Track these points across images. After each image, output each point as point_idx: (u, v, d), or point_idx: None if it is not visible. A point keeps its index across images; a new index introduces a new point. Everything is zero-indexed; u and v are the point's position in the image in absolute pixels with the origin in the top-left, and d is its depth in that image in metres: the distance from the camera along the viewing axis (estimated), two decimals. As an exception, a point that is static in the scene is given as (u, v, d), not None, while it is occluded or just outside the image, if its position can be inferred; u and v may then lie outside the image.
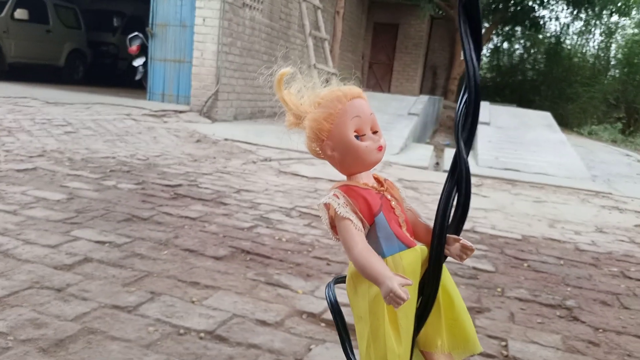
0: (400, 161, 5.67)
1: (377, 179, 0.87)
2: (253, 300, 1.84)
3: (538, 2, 16.04)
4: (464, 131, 0.81)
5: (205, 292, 1.87)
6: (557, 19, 18.62)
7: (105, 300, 1.72)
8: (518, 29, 18.82)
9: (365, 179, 0.85)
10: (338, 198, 0.81)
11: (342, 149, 0.82)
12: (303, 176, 4.41)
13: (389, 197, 0.85)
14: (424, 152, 6.92)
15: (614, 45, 19.09)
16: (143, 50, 8.38)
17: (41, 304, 1.64)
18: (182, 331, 1.57)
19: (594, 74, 17.92)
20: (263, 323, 1.68)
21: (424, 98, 10.57)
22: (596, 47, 19.44)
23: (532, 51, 20.39)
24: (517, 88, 19.54)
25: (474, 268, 2.46)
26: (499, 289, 2.22)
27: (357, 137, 0.81)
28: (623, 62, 17.66)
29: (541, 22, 17.04)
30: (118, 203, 2.92)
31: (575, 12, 17.02)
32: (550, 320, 1.95)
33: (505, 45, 20.72)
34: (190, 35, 7.40)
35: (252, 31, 8.10)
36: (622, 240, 3.30)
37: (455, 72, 16.58)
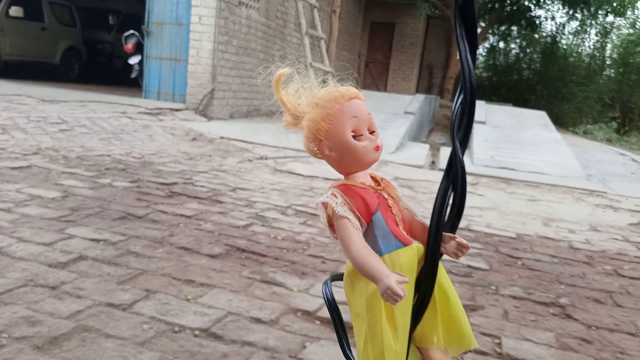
0: (396, 160, 5.68)
1: (374, 178, 0.88)
2: (248, 298, 1.85)
3: (534, 1, 16.08)
4: (460, 131, 0.82)
5: (200, 290, 1.88)
6: (553, 18, 18.64)
7: (99, 298, 1.72)
8: (514, 28, 18.87)
9: (363, 178, 0.86)
10: (336, 197, 0.82)
11: (339, 149, 0.83)
12: (299, 174, 4.41)
13: (386, 196, 0.86)
14: (420, 151, 6.94)
15: (609, 45, 19.17)
16: (139, 48, 8.37)
17: (35, 302, 1.64)
18: (176, 329, 1.57)
19: (590, 74, 17.99)
20: (258, 321, 1.68)
21: (420, 97, 10.59)
22: (592, 46, 19.52)
23: (528, 51, 20.44)
24: (513, 87, 19.59)
25: (469, 266, 2.47)
26: (493, 287, 2.23)
27: (354, 137, 0.82)
28: (618, 62, 17.74)
29: (537, 22, 17.08)
30: (113, 201, 2.91)
31: (570, 12, 17.07)
32: (543, 317, 1.96)
33: (502, 44, 20.76)
34: (186, 33, 7.39)
35: (248, 30, 8.09)
36: (616, 239, 3.32)
37: (452, 71, 16.60)
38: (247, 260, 2.24)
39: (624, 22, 18.20)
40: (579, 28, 19.12)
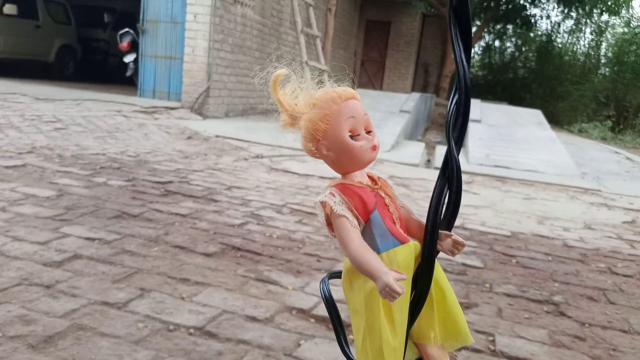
0: (391, 158, 5.69)
1: (371, 177, 0.89)
2: (243, 297, 1.85)
3: (529, 0, 16.12)
4: (455, 130, 0.83)
5: (195, 289, 1.88)
6: (548, 17, 18.67)
7: (94, 296, 1.72)
8: (509, 27, 18.90)
9: (360, 177, 0.87)
10: (334, 196, 0.83)
11: (337, 149, 0.84)
12: (294, 173, 4.41)
13: (383, 194, 0.87)
14: (415, 150, 6.95)
15: (604, 44, 19.23)
16: (134, 47, 8.33)
17: (30, 301, 1.64)
18: (171, 327, 1.58)
19: (585, 72, 18.04)
20: (253, 319, 1.69)
21: (416, 95, 10.60)
22: (586, 45, 19.58)
23: (523, 49, 20.48)
24: (508, 86, 19.63)
25: (463, 264, 2.48)
26: (487, 285, 2.24)
27: (351, 137, 0.83)
28: (613, 61, 17.80)
29: (532, 21, 17.11)
30: (108, 200, 2.91)
31: (566, 11, 17.11)
32: (537, 315, 1.97)
33: (497, 43, 20.80)
34: (182, 31, 7.37)
35: (243, 28, 8.08)
36: (610, 237, 3.34)
37: (447, 70, 16.63)
38: (242, 258, 2.25)
39: (619, 21, 18.28)
40: (574, 27, 19.18)
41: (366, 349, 0.83)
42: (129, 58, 8.56)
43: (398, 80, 17.13)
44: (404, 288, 0.76)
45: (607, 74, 18.10)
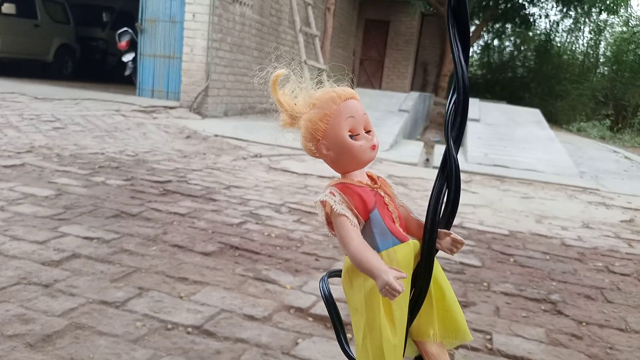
0: (390, 157, 5.69)
1: (370, 177, 0.90)
2: (241, 296, 1.85)
3: (528, -1, 16.13)
4: (454, 130, 0.83)
5: (193, 288, 1.88)
6: (547, 16, 18.64)
7: (93, 295, 1.73)
8: (508, 26, 18.90)
9: (360, 176, 0.87)
10: (334, 195, 0.84)
11: (337, 148, 0.84)
12: (293, 172, 4.42)
13: (382, 194, 0.88)
14: (414, 149, 6.96)
15: (602, 43, 19.24)
16: (132, 46, 8.33)
17: (29, 300, 1.65)
18: (169, 326, 1.58)
19: (583, 72, 18.05)
20: (251, 318, 1.69)
21: (415, 95, 10.60)
22: (585, 44, 19.59)
23: (522, 48, 20.48)
24: (507, 85, 19.64)
25: (461, 263, 2.48)
26: (485, 284, 2.24)
27: (351, 136, 0.84)
28: (612, 60, 17.80)
29: (531, 20, 17.10)
30: (107, 199, 2.91)
31: (564, 10, 17.12)
32: (534, 314, 1.98)
33: (496, 42, 20.80)
34: (180, 30, 7.37)
35: (242, 27, 8.08)
36: (608, 236, 3.35)
37: (446, 69, 16.62)
38: (241, 257, 2.25)
39: (618, 20, 18.28)
40: (573, 26, 19.18)
41: (366, 347, 0.84)
42: (127, 57, 8.55)
43: (397, 79, 17.14)
44: (404, 286, 0.77)
45: (606, 73, 18.11)
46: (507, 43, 20.88)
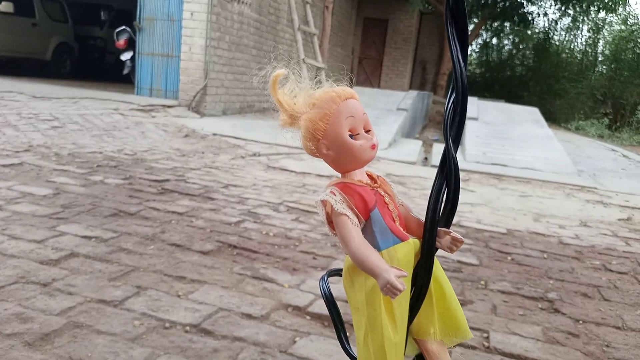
0: (388, 156, 5.70)
1: (370, 176, 0.90)
2: (239, 294, 1.86)
3: (526, -2, 16.14)
4: (453, 129, 0.84)
5: (191, 287, 1.89)
6: (545, 15, 18.69)
7: (91, 294, 1.73)
8: (507, 24, 18.90)
9: (360, 176, 0.88)
10: (335, 195, 0.84)
11: (337, 148, 0.85)
12: (291, 171, 4.42)
13: (382, 193, 0.88)
14: (413, 147, 6.96)
15: (601, 42, 19.26)
16: (131, 45, 8.33)
17: (27, 299, 1.65)
18: (167, 325, 1.59)
19: (582, 70, 18.07)
20: (248, 316, 1.70)
21: (413, 93, 10.61)
22: (584, 43, 19.60)
23: (520, 47, 20.50)
24: (505, 83, 19.65)
25: (459, 261, 2.49)
26: (482, 282, 2.25)
27: (351, 136, 0.84)
28: (610, 58, 17.82)
29: (530, 18, 17.13)
30: (105, 198, 2.91)
31: (563, 9, 17.14)
32: (531, 312, 1.99)
33: (494, 40, 20.82)
34: (178, 29, 7.36)
35: (240, 25, 8.08)
36: (605, 234, 3.36)
37: (445, 68, 16.64)
38: (239, 256, 2.25)
39: (616, 18, 18.29)
40: (571, 24, 19.20)
41: (368, 345, 0.84)
42: (125, 56, 8.55)
43: (396, 77, 17.14)
44: (405, 285, 0.77)
45: (604, 71, 18.13)
46: (505, 41, 20.90)
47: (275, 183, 3.86)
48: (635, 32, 16.90)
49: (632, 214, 4.06)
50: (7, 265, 1.88)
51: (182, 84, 7.38)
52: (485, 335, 1.74)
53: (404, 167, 5.25)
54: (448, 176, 0.84)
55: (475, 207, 3.79)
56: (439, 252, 0.88)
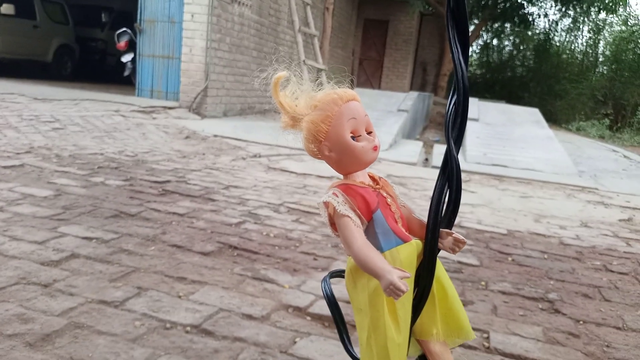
0: (389, 157, 5.70)
1: (372, 177, 0.90)
2: (239, 295, 1.86)
3: (527, -2, 16.15)
4: (454, 130, 0.84)
5: (192, 287, 1.89)
6: (545, 15, 18.69)
7: (92, 295, 1.73)
8: (507, 25, 18.91)
9: (362, 177, 0.88)
10: (337, 196, 0.84)
11: (339, 150, 0.85)
12: (292, 172, 4.42)
13: (384, 194, 0.88)
14: (413, 148, 6.97)
15: (601, 42, 19.26)
16: (131, 46, 8.34)
17: (28, 300, 1.65)
18: (168, 325, 1.59)
19: (582, 71, 18.07)
20: (249, 317, 1.70)
21: (414, 94, 10.61)
22: (584, 43, 19.61)
23: (521, 48, 20.50)
24: (506, 84, 19.66)
25: (459, 262, 2.49)
26: (482, 283, 2.25)
27: (353, 137, 0.85)
28: (611, 59, 17.82)
29: (530, 19, 17.13)
30: (106, 199, 2.92)
31: (563, 9, 17.13)
32: (532, 312, 1.99)
33: (495, 41, 20.82)
34: (179, 31, 7.38)
35: (241, 27, 8.09)
36: (606, 235, 3.36)
37: (445, 69, 16.64)
38: (239, 257, 2.26)
39: (616, 19, 18.30)
40: (572, 25, 19.20)
41: (371, 346, 0.85)
42: (126, 58, 8.56)
43: (396, 79, 17.15)
44: (408, 286, 0.78)
45: (605, 72, 18.13)
46: (506, 42, 20.91)
47: (275, 184, 3.86)
48: (636, 33, 16.90)
49: (633, 215, 4.06)
50: (8, 266, 1.88)
51: (182, 86, 7.40)
52: (485, 335, 1.74)
53: (404, 168, 5.25)
54: (450, 177, 0.84)
55: (475, 208, 3.79)
56: (440, 252, 0.88)
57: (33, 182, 3.10)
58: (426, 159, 6.66)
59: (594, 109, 16.41)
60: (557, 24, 19.31)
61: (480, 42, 20.31)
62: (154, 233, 2.44)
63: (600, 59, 19.02)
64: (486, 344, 1.68)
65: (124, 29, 8.51)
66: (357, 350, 0.92)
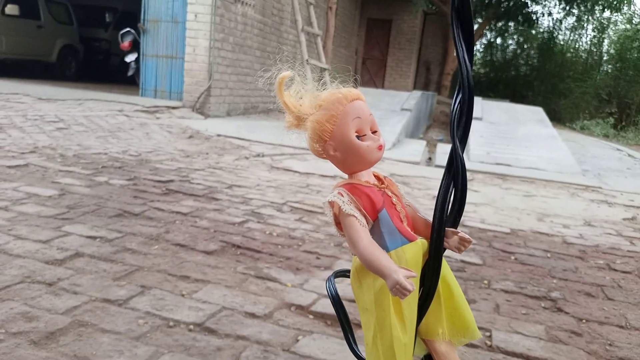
0: (392, 156, 5.70)
1: (377, 177, 0.90)
2: (242, 294, 1.87)
3: (531, -3, 16.11)
4: (459, 129, 0.84)
5: (195, 286, 1.90)
6: (549, 14, 18.69)
7: (95, 294, 1.75)
8: (511, 24, 18.87)
9: (367, 177, 0.88)
10: (342, 196, 0.84)
11: (344, 149, 0.85)
12: (295, 171, 4.43)
13: (389, 193, 0.88)
14: (416, 148, 6.96)
15: (606, 41, 19.18)
16: (135, 46, 8.36)
17: (32, 298, 1.66)
18: (171, 324, 1.60)
19: (587, 70, 18.00)
20: (252, 315, 1.71)
21: (417, 93, 10.60)
22: (588, 42, 19.53)
23: (525, 47, 20.45)
24: (510, 83, 19.61)
25: (462, 261, 2.49)
26: (485, 281, 2.25)
27: (358, 137, 0.85)
28: (615, 58, 17.74)
29: (534, 18, 17.09)
30: (109, 199, 2.93)
31: (567, 8, 17.08)
32: (534, 311, 1.99)
33: (499, 40, 20.78)
34: (182, 31, 7.39)
35: (244, 27, 8.10)
36: (610, 234, 3.35)
37: (449, 68, 16.62)
38: (242, 256, 2.27)
39: (621, 17, 18.22)
40: (576, 24, 19.14)
41: (377, 346, 0.85)
42: (130, 58, 8.59)
43: (400, 78, 17.13)
44: (414, 285, 0.78)
45: (609, 71, 18.05)
46: (510, 41, 20.86)
47: (279, 183, 3.87)
48: (641, 31, 16.82)
49: (637, 214, 4.05)
50: (13, 265, 1.90)
51: (186, 86, 7.41)
52: (487, 334, 1.75)
53: (407, 167, 5.25)
54: (455, 176, 0.84)
55: (479, 206, 3.79)
56: (444, 251, 0.88)
57: (37, 182, 3.11)
58: (429, 158, 6.66)
59: (598, 108, 16.33)
60: (561, 23, 19.26)
61: (484, 41, 20.29)
62: (157, 232, 2.45)
63: (604, 58, 18.94)
64: (488, 342, 1.68)
65: (128, 29, 8.54)
66: (362, 349, 0.92)
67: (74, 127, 5.10)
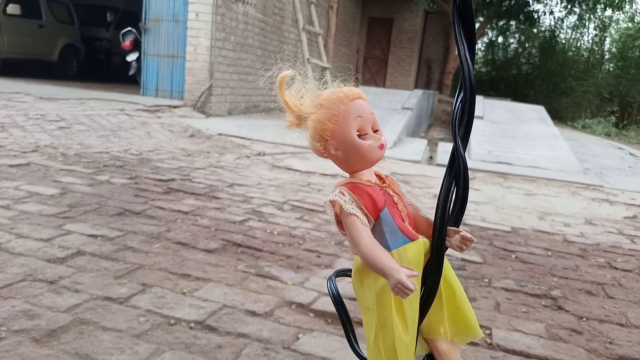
0: (393, 155, 5.70)
1: (378, 176, 0.90)
2: (243, 292, 1.88)
3: (532, -4, 16.08)
4: (461, 128, 0.84)
5: (196, 284, 1.90)
6: (551, 13, 18.58)
7: (97, 292, 1.75)
8: (512, 23, 18.85)
9: (368, 176, 0.88)
10: (344, 195, 0.84)
11: (345, 148, 0.85)
12: (296, 170, 4.44)
13: (391, 192, 0.88)
14: (418, 146, 6.96)
15: (607, 40, 19.16)
16: (136, 46, 8.38)
17: (34, 296, 1.67)
18: (172, 321, 1.60)
19: (588, 68, 17.99)
20: (252, 313, 1.71)
21: (418, 92, 10.60)
22: (590, 41, 19.52)
23: (526, 45, 20.43)
24: (511, 82, 19.60)
25: (462, 259, 2.49)
26: (486, 280, 2.26)
27: (359, 136, 0.85)
28: (617, 56, 17.72)
29: (535, 16, 17.06)
30: (111, 197, 2.94)
31: (569, 7, 17.06)
32: (535, 309, 1.99)
33: (500, 39, 20.76)
34: (184, 30, 7.40)
35: (245, 26, 8.10)
36: (611, 232, 3.35)
37: (450, 67, 16.61)
38: (243, 254, 2.27)
39: (623, 16, 18.20)
40: (578, 22, 19.12)
41: (378, 345, 0.85)
42: (131, 57, 8.60)
43: (401, 77, 17.12)
44: (416, 284, 0.78)
45: (611, 69, 18.03)
46: (511, 40, 20.84)
47: (280, 182, 3.87)
48: (642, 30, 16.79)
49: (638, 212, 4.05)
50: (14, 263, 1.91)
51: (187, 85, 7.42)
52: (487, 332, 1.75)
53: (408, 166, 5.25)
54: (457, 175, 0.84)
55: (479, 205, 3.79)
56: (449, 250, 0.88)
57: (39, 181, 3.12)
58: (430, 157, 6.66)
59: (600, 107, 16.32)
60: (562, 21, 19.25)
61: (485, 39, 20.27)
62: (158, 230, 2.46)
63: (606, 56, 18.93)
64: (489, 340, 1.69)
65: (129, 28, 8.55)
66: (363, 348, 0.93)
67: (75, 126, 5.11)
